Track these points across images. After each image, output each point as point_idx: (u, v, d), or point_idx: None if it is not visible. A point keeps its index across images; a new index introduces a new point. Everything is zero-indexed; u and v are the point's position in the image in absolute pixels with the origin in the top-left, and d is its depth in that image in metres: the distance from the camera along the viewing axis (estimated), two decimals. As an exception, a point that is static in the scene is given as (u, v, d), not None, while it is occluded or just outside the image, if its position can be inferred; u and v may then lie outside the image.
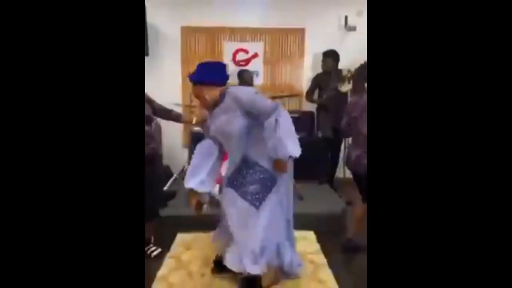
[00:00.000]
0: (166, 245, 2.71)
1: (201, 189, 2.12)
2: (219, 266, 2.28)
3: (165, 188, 3.58)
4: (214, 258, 2.37)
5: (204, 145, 2.21)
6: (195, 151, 2.21)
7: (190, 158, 3.75)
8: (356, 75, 3.53)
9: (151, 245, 2.67)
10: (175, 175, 3.91)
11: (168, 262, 2.50)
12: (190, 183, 2.10)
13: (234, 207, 2.06)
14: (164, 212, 3.00)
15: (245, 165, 2.09)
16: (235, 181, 2.10)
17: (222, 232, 2.24)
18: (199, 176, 2.12)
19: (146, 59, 4.24)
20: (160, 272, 2.36)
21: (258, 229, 1.99)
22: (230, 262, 2.03)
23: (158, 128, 3.67)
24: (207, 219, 2.56)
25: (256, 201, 2.01)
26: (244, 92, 2.06)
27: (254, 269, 1.97)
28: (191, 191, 2.14)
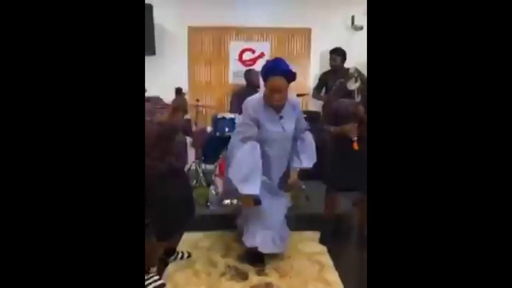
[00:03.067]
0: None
1: (257, 192, 2.15)
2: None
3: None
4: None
5: (248, 150, 2.19)
6: (240, 156, 2.18)
7: (196, 157, 3.80)
8: (334, 91, 3.58)
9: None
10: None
11: (174, 262, 2.51)
12: (250, 189, 2.13)
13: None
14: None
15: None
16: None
17: None
18: (256, 181, 2.14)
19: (153, 58, 4.27)
20: (166, 272, 2.37)
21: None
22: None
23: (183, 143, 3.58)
24: (212, 218, 2.57)
25: None
26: (298, 102, 2.45)
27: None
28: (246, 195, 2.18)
